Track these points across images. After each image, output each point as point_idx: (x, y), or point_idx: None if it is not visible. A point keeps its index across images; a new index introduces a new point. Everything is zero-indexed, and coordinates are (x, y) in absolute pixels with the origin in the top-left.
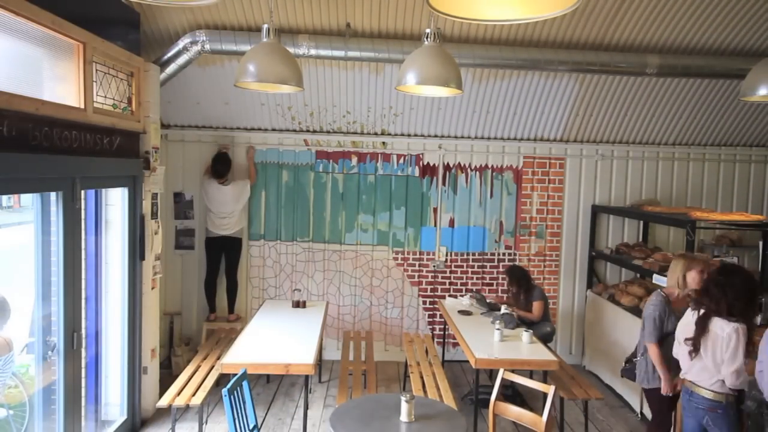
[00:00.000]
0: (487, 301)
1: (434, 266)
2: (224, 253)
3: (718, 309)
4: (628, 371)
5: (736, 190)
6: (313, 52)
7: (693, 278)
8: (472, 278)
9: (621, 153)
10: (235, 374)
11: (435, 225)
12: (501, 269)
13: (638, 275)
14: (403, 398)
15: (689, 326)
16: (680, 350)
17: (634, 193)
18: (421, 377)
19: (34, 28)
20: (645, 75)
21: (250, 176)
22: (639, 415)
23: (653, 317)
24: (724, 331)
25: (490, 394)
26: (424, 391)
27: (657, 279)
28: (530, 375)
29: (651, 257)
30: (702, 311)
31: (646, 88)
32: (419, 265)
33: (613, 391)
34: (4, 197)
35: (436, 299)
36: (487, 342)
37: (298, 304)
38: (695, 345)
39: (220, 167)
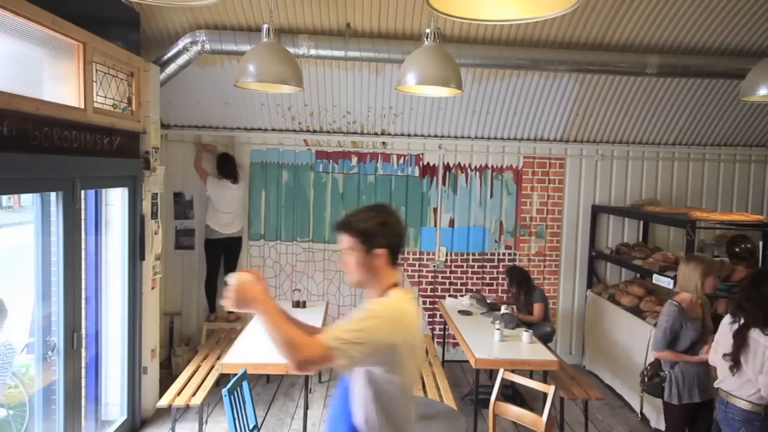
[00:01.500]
0: (487, 301)
1: (434, 266)
2: (224, 253)
3: (755, 321)
4: (653, 387)
5: (736, 190)
6: (313, 52)
7: (710, 284)
8: (472, 278)
9: (621, 153)
10: (235, 374)
11: (435, 225)
12: (501, 269)
13: (638, 275)
14: None
15: (727, 337)
16: (719, 360)
17: (634, 193)
18: (421, 377)
19: (35, 28)
20: (645, 75)
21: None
22: (639, 415)
23: (664, 328)
24: (763, 340)
25: (490, 394)
26: (424, 391)
27: (657, 279)
28: (530, 375)
29: (651, 257)
30: (741, 322)
31: (646, 88)
32: (419, 265)
33: (613, 391)
34: (4, 197)
35: (436, 299)
36: (487, 342)
37: (298, 304)
38: (735, 359)
39: (230, 167)
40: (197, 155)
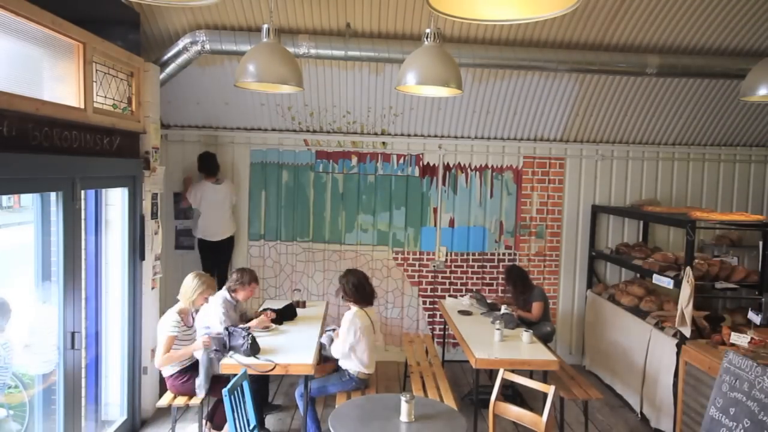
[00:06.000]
0: (487, 301)
1: (434, 266)
2: (217, 253)
3: None
4: None
5: (736, 190)
6: (313, 52)
7: None
8: (472, 278)
9: (621, 153)
10: (235, 374)
11: (435, 225)
12: (501, 269)
13: (638, 275)
14: (403, 398)
15: None
16: None
17: (634, 193)
18: (421, 377)
19: (35, 28)
20: (645, 75)
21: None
22: (639, 415)
23: None
24: None
25: (490, 394)
26: (424, 391)
27: (657, 279)
28: (530, 375)
29: (651, 257)
30: None
31: (646, 88)
32: (419, 265)
33: (613, 391)
34: (4, 197)
35: (436, 299)
36: (487, 342)
37: (297, 304)
38: None
39: (212, 164)
40: (185, 189)
